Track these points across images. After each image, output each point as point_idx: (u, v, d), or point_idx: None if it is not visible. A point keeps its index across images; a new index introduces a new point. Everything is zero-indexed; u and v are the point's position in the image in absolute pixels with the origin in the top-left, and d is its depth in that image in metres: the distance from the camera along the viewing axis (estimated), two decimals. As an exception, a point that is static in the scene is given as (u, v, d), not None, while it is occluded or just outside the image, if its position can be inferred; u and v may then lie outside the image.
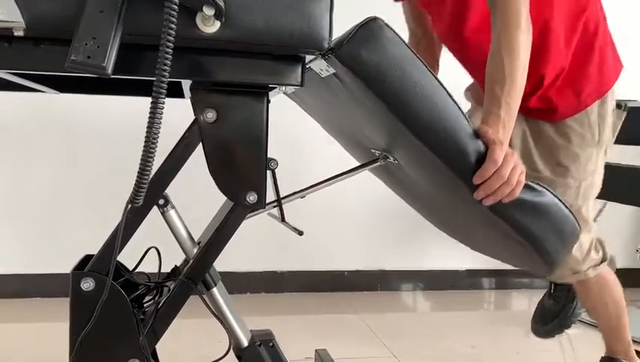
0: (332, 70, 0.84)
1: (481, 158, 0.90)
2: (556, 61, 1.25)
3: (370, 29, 0.79)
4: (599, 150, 1.35)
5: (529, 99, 1.27)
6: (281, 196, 1.03)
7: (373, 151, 1.12)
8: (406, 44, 0.83)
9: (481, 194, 0.91)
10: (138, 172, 0.67)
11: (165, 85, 0.64)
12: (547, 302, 1.80)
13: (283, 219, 1.12)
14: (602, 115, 1.32)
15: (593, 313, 1.65)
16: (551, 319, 1.76)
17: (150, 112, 0.65)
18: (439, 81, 0.87)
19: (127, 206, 0.74)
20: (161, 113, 0.65)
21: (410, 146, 0.90)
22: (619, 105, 1.37)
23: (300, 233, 1.07)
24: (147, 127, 0.65)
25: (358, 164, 1.21)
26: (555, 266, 1.04)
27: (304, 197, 1.15)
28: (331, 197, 2.43)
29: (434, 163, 0.89)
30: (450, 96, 0.88)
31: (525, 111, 1.28)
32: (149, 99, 0.65)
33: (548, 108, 1.31)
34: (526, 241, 0.98)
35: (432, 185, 1.05)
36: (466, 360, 1.82)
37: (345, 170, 1.17)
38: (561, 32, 1.24)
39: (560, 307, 1.75)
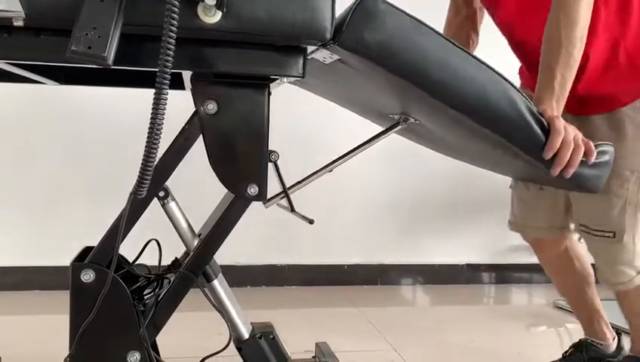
0: (336, 57, 0.83)
1: (510, 106, 0.86)
2: (606, 33, 1.08)
3: (365, 7, 0.77)
4: None
5: (574, 87, 1.02)
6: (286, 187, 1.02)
7: (391, 116, 1.09)
8: (403, 11, 0.80)
9: (557, 170, 0.88)
10: (142, 163, 0.67)
11: (168, 76, 0.64)
12: None
13: (293, 210, 1.12)
14: None
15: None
16: None
17: (153, 103, 0.65)
18: (447, 39, 0.84)
19: (130, 197, 0.74)
20: (165, 104, 0.65)
21: (433, 106, 0.88)
22: None
23: (311, 221, 1.07)
24: (150, 119, 0.65)
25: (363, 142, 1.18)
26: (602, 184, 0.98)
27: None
28: (331, 192, 2.43)
29: (460, 119, 0.86)
30: (462, 48, 0.84)
31: (569, 105, 1.02)
32: (150, 91, 0.65)
33: (597, 95, 1.14)
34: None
35: (468, 136, 1.01)
36: (465, 354, 1.83)
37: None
38: None
39: None
